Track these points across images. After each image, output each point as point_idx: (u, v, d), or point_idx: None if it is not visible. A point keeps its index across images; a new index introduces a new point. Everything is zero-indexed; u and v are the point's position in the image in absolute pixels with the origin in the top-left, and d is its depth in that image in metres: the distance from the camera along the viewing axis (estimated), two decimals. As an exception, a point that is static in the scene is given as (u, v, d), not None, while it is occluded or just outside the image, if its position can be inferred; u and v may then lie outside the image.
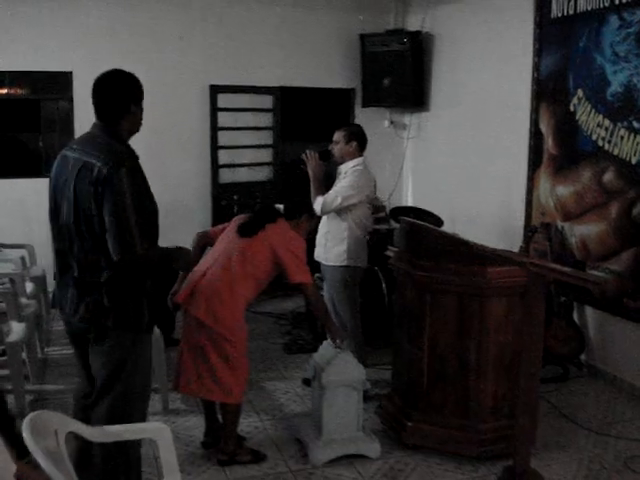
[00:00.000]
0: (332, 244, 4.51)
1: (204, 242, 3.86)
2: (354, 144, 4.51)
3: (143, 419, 2.98)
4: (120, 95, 2.80)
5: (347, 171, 4.51)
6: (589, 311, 5.06)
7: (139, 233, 2.65)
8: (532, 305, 3.06)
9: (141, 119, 2.90)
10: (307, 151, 4.52)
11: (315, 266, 4.51)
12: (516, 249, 5.10)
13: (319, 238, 4.63)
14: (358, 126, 4.76)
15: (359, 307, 4.64)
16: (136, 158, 2.81)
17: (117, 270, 2.70)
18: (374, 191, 4.71)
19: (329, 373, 3.64)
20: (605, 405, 4.51)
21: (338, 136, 4.53)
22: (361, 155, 4.57)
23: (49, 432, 2.27)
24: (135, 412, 2.90)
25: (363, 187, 4.47)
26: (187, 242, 3.80)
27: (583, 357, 5.04)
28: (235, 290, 3.56)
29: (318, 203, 4.36)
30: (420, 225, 4.06)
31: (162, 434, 2.62)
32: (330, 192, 4.42)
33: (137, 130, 2.92)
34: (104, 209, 2.63)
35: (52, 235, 2.92)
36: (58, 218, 2.82)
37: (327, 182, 4.54)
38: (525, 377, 3.12)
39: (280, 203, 3.72)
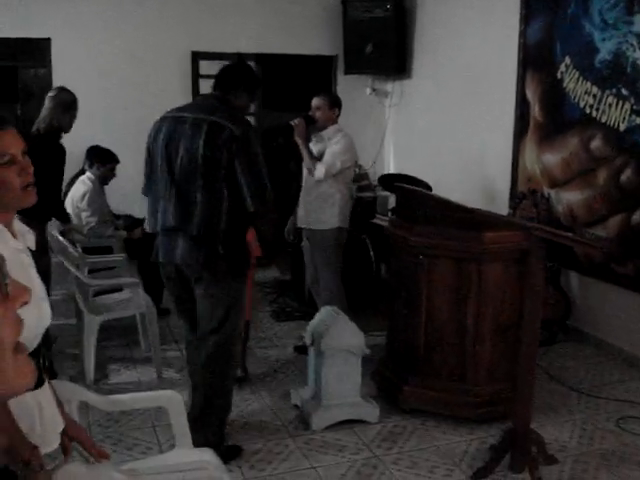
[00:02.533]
0: (324, 208, 4.54)
1: None
2: (336, 110, 4.59)
3: (238, 358, 3.55)
4: (235, 74, 3.26)
5: (332, 136, 4.55)
6: (576, 276, 5.14)
7: (270, 185, 3.04)
8: (533, 270, 3.10)
9: (248, 109, 3.40)
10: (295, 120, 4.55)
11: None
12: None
13: (306, 204, 4.63)
14: (336, 94, 4.88)
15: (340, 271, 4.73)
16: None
17: (236, 221, 3.05)
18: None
19: (328, 339, 3.65)
20: (593, 368, 4.60)
21: (319, 102, 4.56)
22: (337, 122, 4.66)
23: (63, 401, 2.28)
24: (236, 351, 3.41)
25: (354, 150, 4.61)
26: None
27: (569, 322, 5.13)
28: None
29: (320, 169, 4.41)
30: (417, 191, 4.08)
31: (173, 401, 2.61)
32: (326, 157, 4.46)
33: (243, 115, 3.26)
34: (237, 164, 2.96)
35: (157, 190, 3.15)
36: (169, 173, 3.07)
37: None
38: (525, 340, 3.16)
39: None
